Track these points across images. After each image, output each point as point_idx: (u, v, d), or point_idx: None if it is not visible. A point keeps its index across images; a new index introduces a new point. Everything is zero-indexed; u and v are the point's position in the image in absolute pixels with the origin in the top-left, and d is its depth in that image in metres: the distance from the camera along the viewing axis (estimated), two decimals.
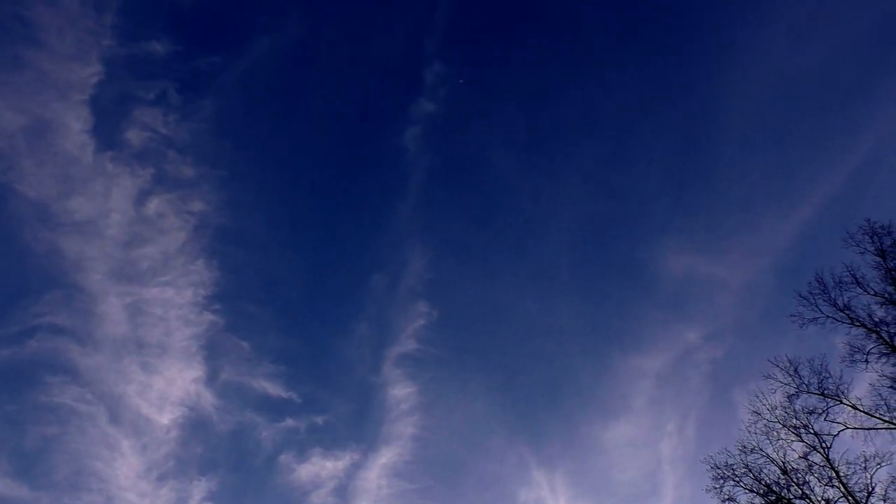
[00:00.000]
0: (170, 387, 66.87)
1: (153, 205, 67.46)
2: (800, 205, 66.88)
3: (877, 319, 31.85)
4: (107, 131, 64.24)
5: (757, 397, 34.87)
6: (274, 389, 69.47)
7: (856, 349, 32.31)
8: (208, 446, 67.82)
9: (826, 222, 63.32)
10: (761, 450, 33.82)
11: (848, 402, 31.98)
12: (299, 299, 77.97)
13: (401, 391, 71.53)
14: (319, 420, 70.53)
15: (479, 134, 78.53)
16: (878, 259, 32.21)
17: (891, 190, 58.38)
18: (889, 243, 32.00)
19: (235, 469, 69.68)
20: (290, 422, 69.50)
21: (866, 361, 32.01)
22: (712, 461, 34.22)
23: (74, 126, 62.01)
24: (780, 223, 67.85)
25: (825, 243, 61.10)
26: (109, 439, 62.78)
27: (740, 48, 68.76)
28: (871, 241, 32.64)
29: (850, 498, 30.99)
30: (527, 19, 74.88)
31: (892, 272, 31.69)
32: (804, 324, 33.96)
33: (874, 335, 31.84)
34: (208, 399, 67.48)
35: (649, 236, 75.00)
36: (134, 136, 65.24)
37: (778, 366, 34.48)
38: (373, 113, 77.88)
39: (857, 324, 32.35)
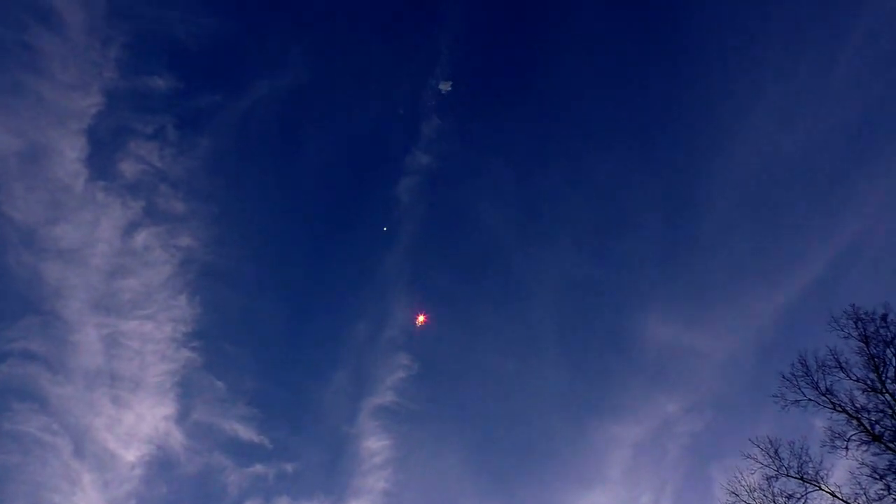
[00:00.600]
0: (139, 423, 65.42)
1: (141, 237, 67.08)
2: (783, 283, 67.67)
3: (858, 406, 31.83)
4: (101, 161, 64.26)
5: (735, 477, 34.68)
6: (245, 433, 68.04)
7: (836, 435, 32.16)
8: (172, 487, 65.87)
9: (808, 302, 64.02)
10: None
11: (827, 489, 31.67)
12: (280, 342, 77.09)
13: (375, 443, 70.30)
14: (289, 467, 68.88)
15: (471, 190, 79.29)
16: (862, 345, 32.34)
17: (872, 276, 59.24)
18: (872, 330, 32.18)
19: None
20: (258, 467, 67.83)
21: (846, 448, 31.83)
22: None
23: (69, 154, 62.06)
24: (763, 300, 68.49)
25: (807, 323, 61.54)
26: (71, 472, 61.04)
27: (729, 126, 70.44)
28: (854, 326, 32.84)
29: None
30: (525, 82, 76.55)
31: (875, 359, 31.80)
32: (786, 405, 33.97)
33: (855, 422, 31.75)
34: (177, 438, 65.96)
35: (634, 304, 75.29)
36: (128, 168, 65.28)
37: (758, 446, 34.39)
38: (368, 161, 78.53)
39: (839, 409, 32.28)
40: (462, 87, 72.57)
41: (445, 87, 66.19)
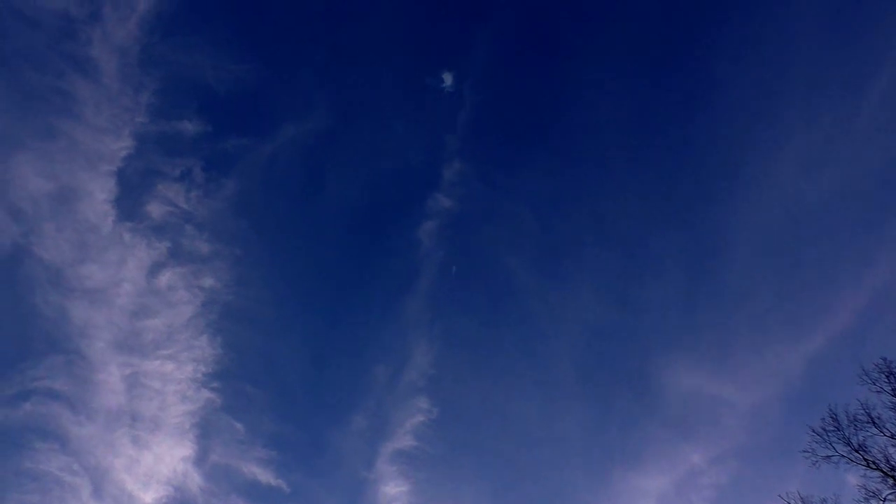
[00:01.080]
0: (158, 464, 65.11)
1: (165, 277, 67.71)
2: (810, 333, 66.37)
3: (893, 463, 30.95)
4: (129, 202, 65.32)
5: None
6: (263, 476, 67.39)
7: (871, 493, 31.23)
8: None
9: (836, 353, 62.57)
10: None
11: None
12: (299, 384, 76.76)
13: (393, 489, 69.19)
14: None
15: (493, 234, 79.29)
16: (895, 399, 31.67)
17: None
18: None
19: None
20: None
21: None
22: None
23: (98, 195, 63.22)
24: (790, 350, 67.16)
25: (835, 375, 60.27)
26: None
27: (752, 174, 70.06)
28: (887, 380, 32.17)
29: None
30: (548, 127, 76.98)
31: None
32: (817, 461, 33.14)
33: (891, 480, 30.85)
34: (195, 480, 65.46)
35: (657, 351, 74.21)
36: (154, 209, 66.27)
37: (788, 502, 33.47)
38: (390, 205, 79.04)
39: (873, 466, 31.41)
40: (484, 131, 73.38)
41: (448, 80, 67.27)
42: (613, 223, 76.90)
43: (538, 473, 72.69)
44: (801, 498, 33.14)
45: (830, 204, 66.66)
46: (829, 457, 32.88)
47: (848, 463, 32.33)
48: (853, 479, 32.69)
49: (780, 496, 33.83)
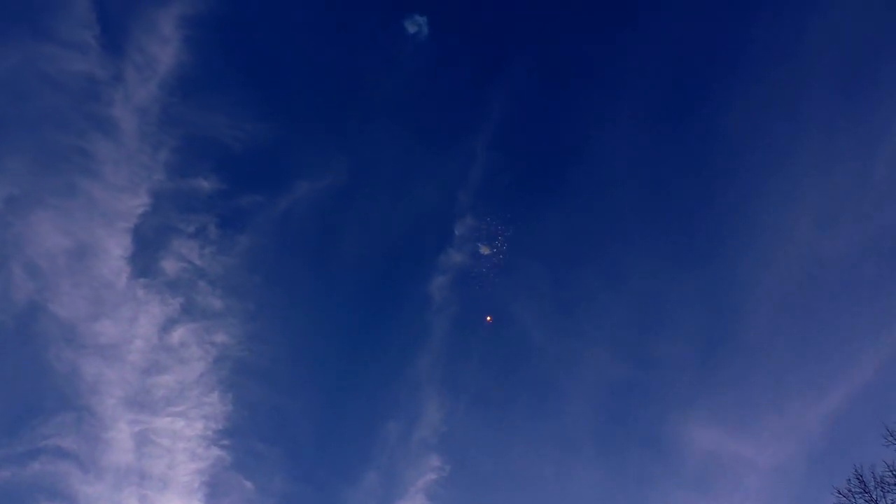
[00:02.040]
0: None
1: (177, 333, 67.75)
2: (830, 391, 65.11)
3: None
4: (144, 259, 65.96)
5: None
6: None
7: None
8: None
9: (857, 411, 61.43)
10: None
11: None
12: (310, 442, 75.70)
13: None
14: None
15: (505, 289, 79.05)
16: None
17: None
18: None
19: None
20: None
21: None
22: None
23: (114, 252, 63.93)
24: (810, 407, 65.84)
25: (857, 433, 59.03)
26: None
27: (768, 229, 70.05)
28: None
29: None
30: (560, 181, 77.51)
31: None
32: None
33: None
34: None
35: (675, 408, 72.91)
36: (169, 266, 66.81)
37: None
38: (403, 261, 79.24)
39: None
40: (497, 185, 73.95)
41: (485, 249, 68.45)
42: (628, 278, 76.59)
43: None
44: None
45: (848, 259, 66.30)
46: None
47: None
48: None
49: None
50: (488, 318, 69.40)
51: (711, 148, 73.09)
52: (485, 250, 71.50)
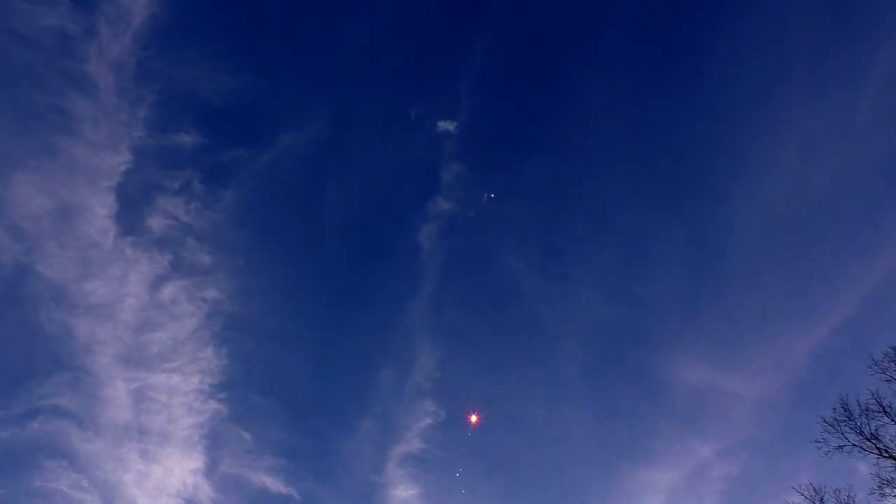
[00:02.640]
0: (168, 477, 65.10)
1: (168, 291, 67.72)
2: (817, 322, 66.41)
3: None
4: (129, 217, 65.40)
5: None
6: (273, 484, 67.40)
7: (885, 482, 31.32)
8: None
9: (844, 342, 62.76)
10: None
11: None
12: (305, 392, 76.75)
13: (403, 492, 69.22)
14: None
15: (492, 235, 79.23)
16: None
17: None
18: None
19: None
20: None
21: None
22: None
23: (99, 211, 63.29)
24: (796, 340, 67.24)
25: (843, 364, 60.43)
26: None
27: (753, 165, 70.26)
28: None
29: None
30: (546, 126, 77.05)
31: None
32: (829, 451, 33.16)
33: None
34: (206, 491, 65.44)
35: (663, 347, 74.26)
36: (155, 223, 66.34)
37: (802, 493, 33.50)
38: (390, 210, 79.05)
39: (886, 455, 31.47)
40: (482, 132, 73.36)
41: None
42: (615, 221, 76.97)
43: (547, 472, 72.77)
44: (815, 488, 33.24)
45: (832, 195, 66.81)
46: (841, 447, 32.96)
47: (860, 452, 32.45)
48: (865, 468, 32.80)
49: (793, 488, 33.94)
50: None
51: (695, 91, 72.67)
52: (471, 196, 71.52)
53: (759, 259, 70.56)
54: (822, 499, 32.87)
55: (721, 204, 72.47)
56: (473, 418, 67.96)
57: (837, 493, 32.49)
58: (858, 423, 32.50)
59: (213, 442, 66.94)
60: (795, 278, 68.76)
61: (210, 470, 66.23)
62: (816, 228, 68.08)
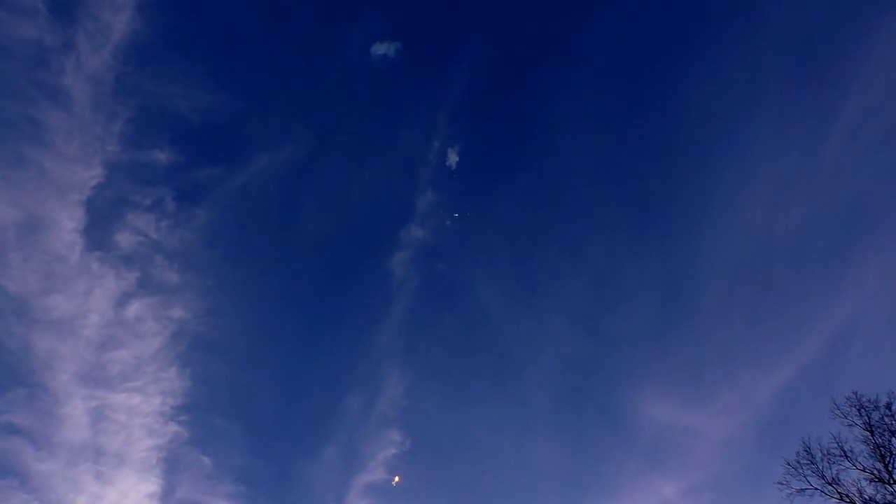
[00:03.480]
0: (122, 500, 63.26)
1: (133, 308, 66.50)
2: (781, 363, 67.43)
3: (866, 497, 31.39)
4: (98, 232, 64.33)
5: None
6: None
7: None
8: None
9: (807, 383, 63.73)
10: None
11: None
12: (270, 416, 75.53)
13: None
14: None
15: (466, 265, 79.47)
16: (867, 433, 32.20)
17: (870, 356, 59.33)
18: (877, 418, 32.11)
19: None
20: None
21: None
22: None
23: (67, 225, 62.16)
24: (760, 380, 68.09)
25: (806, 404, 61.25)
26: None
27: (723, 207, 71.70)
28: (858, 413, 32.79)
29: None
30: (521, 159, 77.79)
31: (881, 448, 31.55)
32: (791, 494, 33.44)
33: None
34: None
35: (629, 382, 74.68)
36: (124, 239, 65.33)
37: None
38: (363, 235, 78.92)
39: (846, 499, 31.79)
40: (458, 162, 73.86)
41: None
42: (586, 254, 77.76)
43: (513, 502, 72.31)
44: None
45: (798, 236, 68.31)
46: (803, 489, 33.24)
47: (822, 496, 32.68)
48: None
49: None
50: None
51: (667, 130, 74.09)
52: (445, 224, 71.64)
53: (727, 297, 71.68)
54: None
55: (690, 243, 73.76)
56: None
57: None
58: (820, 467, 32.90)
59: (172, 465, 65.40)
60: (761, 318, 69.91)
61: (166, 494, 64.58)
62: (782, 269, 69.45)
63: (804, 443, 33.69)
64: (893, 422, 31.42)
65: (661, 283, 75.28)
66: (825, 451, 32.93)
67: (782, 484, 33.85)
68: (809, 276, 67.83)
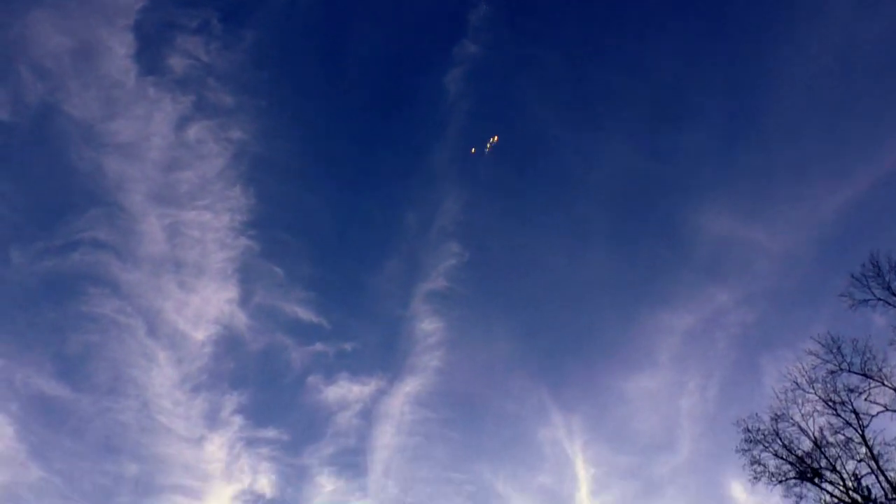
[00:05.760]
0: (205, 305, 68.92)
1: (193, 131, 67.81)
2: (851, 180, 65.19)
3: None
4: (149, 57, 64.20)
5: (796, 368, 35.40)
6: (305, 314, 71.37)
7: None
8: (240, 363, 70.50)
9: (877, 200, 62.00)
10: (793, 419, 34.68)
11: (891, 385, 32.45)
12: (333, 231, 78.93)
13: (428, 325, 73.08)
14: (348, 347, 72.71)
15: (521, 81, 77.36)
16: None
17: None
18: None
19: (265, 386, 72.78)
20: (319, 346, 71.85)
21: None
22: (745, 424, 35.47)
23: (119, 50, 61.99)
24: (829, 194, 66.60)
25: (875, 221, 60.20)
26: (147, 350, 65.32)
27: (802, 11, 66.57)
28: None
29: (881, 475, 31.91)
30: None
31: None
32: (854, 305, 34.12)
33: None
34: (241, 319, 69.44)
35: (690, 196, 74.59)
36: (176, 63, 65.16)
37: (820, 342, 34.81)
38: (415, 51, 76.84)
39: None
40: None
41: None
42: (648, 66, 74.67)
43: (566, 312, 76.20)
44: (833, 338, 34.51)
45: (883, 43, 63.60)
46: (865, 300, 33.83)
47: (885, 306, 33.33)
48: (883, 321, 33.88)
49: (811, 337, 35.24)
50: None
51: None
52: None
53: (799, 110, 68.74)
54: (839, 347, 34.29)
55: (761, 51, 69.67)
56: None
57: (854, 342, 33.86)
58: (886, 279, 33.22)
59: (246, 275, 70.04)
60: (834, 131, 67.15)
61: (244, 300, 69.84)
62: (863, 81, 65.46)
63: (872, 256, 33.74)
64: None
65: (730, 92, 72.37)
66: (893, 265, 33.07)
67: (845, 295, 34.46)
68: (889, 87, 63.96)
